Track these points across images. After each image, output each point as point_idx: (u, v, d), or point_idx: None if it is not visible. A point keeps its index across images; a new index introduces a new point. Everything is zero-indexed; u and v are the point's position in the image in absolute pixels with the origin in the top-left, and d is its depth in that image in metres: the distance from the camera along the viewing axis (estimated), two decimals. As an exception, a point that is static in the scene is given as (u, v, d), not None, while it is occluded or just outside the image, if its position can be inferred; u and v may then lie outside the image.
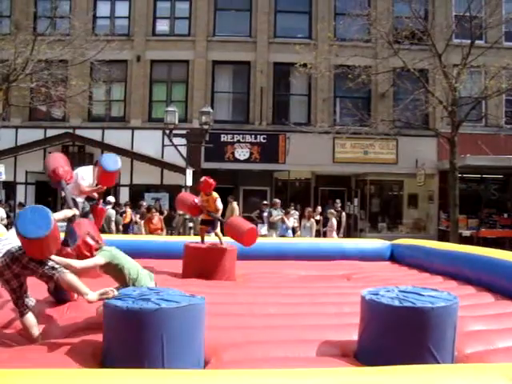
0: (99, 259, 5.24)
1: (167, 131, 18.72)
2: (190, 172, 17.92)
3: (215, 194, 8.51)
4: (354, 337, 4.57)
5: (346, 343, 4.64)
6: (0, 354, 4.30)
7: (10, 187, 20.92)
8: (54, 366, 3.65)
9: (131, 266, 5.41)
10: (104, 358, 4.10)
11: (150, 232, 12.64)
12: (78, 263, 5.10)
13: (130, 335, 3.83)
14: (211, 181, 8.50)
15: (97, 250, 5.34)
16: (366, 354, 4.26)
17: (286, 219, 14.83)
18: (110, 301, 4.02)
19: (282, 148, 21.13)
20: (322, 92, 21.68)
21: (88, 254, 5.29)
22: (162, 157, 20.84)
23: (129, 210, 15.52)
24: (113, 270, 5.34)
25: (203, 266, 7.92)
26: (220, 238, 8.53)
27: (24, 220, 4.32)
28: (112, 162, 7.18)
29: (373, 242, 11.76)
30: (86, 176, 7.90)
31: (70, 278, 4.48)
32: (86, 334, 4.87)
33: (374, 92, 21.59)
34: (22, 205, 18.79)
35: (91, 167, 8.08)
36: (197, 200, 8.60)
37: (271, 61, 21.99)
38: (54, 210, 17.22)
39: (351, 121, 19.74)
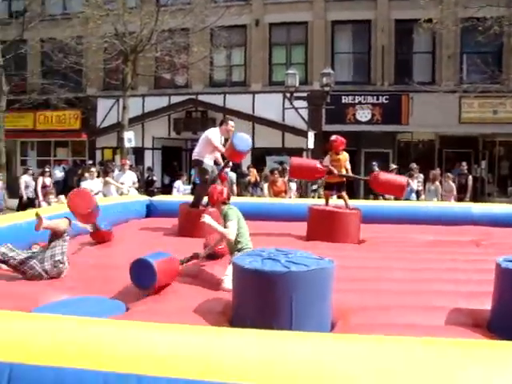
0: (233, 223, 5.52)
1: (288, 94, 18.73)
2: (311, 135, 17.86)
3: (346, 154, 8.37)
4: (487, 306, 4.36)
5: (477, 312, 4.40)
6: (138, 306, 4.61)
7: (138, 153, 22.06)
8: (184, 322, 3.81)
9: (245, 231, 5.69)
10: (233, 318, 4.21)
11: (274, 195, 12.74)
12: (228, 231, 5.50)
13: (258, 296, 3.88)
14: (343, 139, 8.37)
15: (223, 202, 5.73)
16: (500, 325, 3.99)
17: (410, 182, 14.37)
18: (239, 260, 4.09)
19: (405, 108, 20.42)
20: (447, 48, 20.57)
21: (216, 198, 5.79)
22: (283, 120, 20.93)
23: (254, 170, 15.87)
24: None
25: (328, 228, 7.86)
26: (346, 201, 8.39)
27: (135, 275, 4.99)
28: (244, 143, 7.47)
29: (505, 207, 11.09)
30: (214, 135, 8.25)
31: None
32: (216, 292, 5.09)
33: (507, 45, 20.05)
34: (150, 169, 19.77)
35: (217, 128, 8.37)
36: (325, 159, 8.50)
37: (392, 18, 21.14)
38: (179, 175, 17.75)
39: (480, 78, 18.65)
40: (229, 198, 5.86)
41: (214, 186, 6.22)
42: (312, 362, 2.44)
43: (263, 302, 3.86)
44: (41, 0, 23.59)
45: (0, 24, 20.77)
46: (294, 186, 14.20)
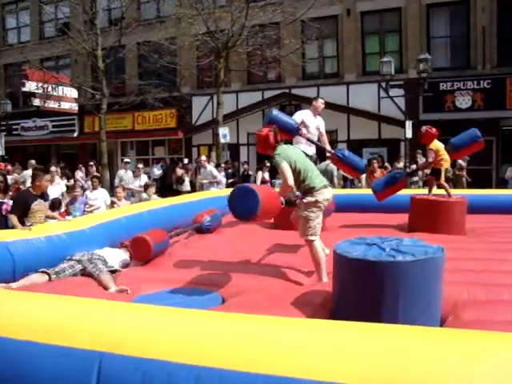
0: (284, 166, 5.04)
1: (383, 83, 18.19)
2: (409, 124, 17.25)
3: (437, 144, 7.95)
4: None
5: None
6: (234, 297, 4.50)
7: (233, 148, 22.25)
8: (282, 315, 3.64)
9: (309, 169, 5.28)
10: (334, 309, 4.02)
11: (373, 185, 12.34)
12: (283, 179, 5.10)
13: (361, 288, 3.65)
14: (433, 130, 7.95)
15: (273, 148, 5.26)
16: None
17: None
18: (340, 248, 3.83)
19: (510, 93, 19.19)
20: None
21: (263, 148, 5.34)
22: (379, 110, 20.33)
23: None
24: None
25: (431, 218, 7.48)
26: (447, 189, 7.95)
27: (235, 203, 4.60)
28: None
29: None
30: (296, 114, 7.93)
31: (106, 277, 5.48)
32: (314, 285, 4.91)
33: None
34: (246, 163, 19.93)
35: (301, 111, 8.09)
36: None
37: (495, -5, 19.81)
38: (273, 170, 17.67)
39: None
40: (277, 142, 5.26)
41: (258, 132, 5.40)
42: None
43: (367, 294, 3.63)
44: (136, 6, 24.38)
45: (101, 32, 21.55)
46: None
